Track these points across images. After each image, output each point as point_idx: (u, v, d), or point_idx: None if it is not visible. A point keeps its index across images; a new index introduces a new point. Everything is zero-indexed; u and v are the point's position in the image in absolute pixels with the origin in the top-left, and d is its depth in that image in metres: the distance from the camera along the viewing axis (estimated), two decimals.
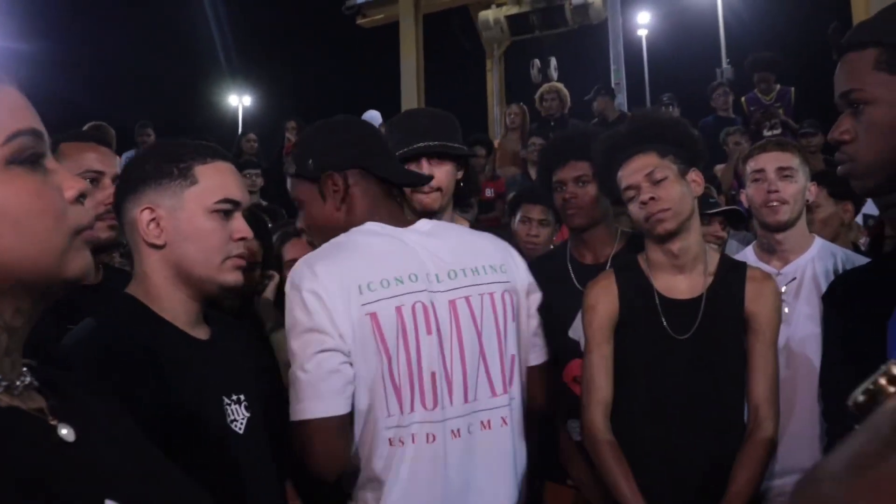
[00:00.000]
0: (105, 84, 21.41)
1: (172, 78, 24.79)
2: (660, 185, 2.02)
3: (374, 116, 8.21)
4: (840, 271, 2.31)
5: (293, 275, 1.68)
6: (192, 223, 1.48)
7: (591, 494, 2.36)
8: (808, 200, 2.42)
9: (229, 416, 1.48)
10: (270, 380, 1.70)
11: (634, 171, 2.05)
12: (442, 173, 2.20)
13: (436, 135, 2.19)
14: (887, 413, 0.55)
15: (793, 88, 7.27)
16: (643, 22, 25.76)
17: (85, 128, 7.60)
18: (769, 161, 2.41)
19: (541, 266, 2.53)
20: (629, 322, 2.10)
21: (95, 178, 1.97)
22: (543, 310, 2.30)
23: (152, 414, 1.27)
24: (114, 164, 2.05)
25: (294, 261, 2.49)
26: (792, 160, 2.39)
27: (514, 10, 9.33)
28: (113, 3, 24.71)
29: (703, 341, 2.04)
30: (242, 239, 1.52)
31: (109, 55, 23.67)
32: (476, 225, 2.38)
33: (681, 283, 2.10)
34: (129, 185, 1.52)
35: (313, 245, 1.90)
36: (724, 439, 2.02)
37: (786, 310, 2.30)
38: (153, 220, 1.48)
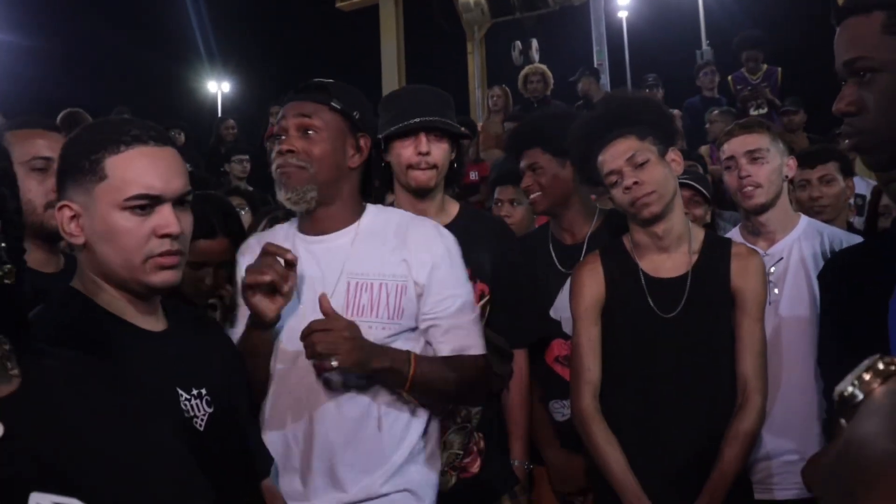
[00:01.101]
0: (81, 70, 21.15)
1: (150, 64, 24.49)
2: (642, 168, 2.02)
3: None
4: (827, 249, 2.31)
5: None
6: (104, 222, 1.34)
7: (563, 475, 2.37)
8: (786, 176, 2.41)
9: (188, 411, 1.39)
10: (236, 373, 1.60)
11: (615, 155, 2.05)
12: (439, 151, 2.17)
13: (434, 110, 2.16)
14: (880, 398, 0.56)
15: (780, 68, 7.26)
16: (623, 3, 25.75)
17: (61, 114, 7.49)
18: (738, 146, 2.41)
19: (524, 248, 2.53)
20: (616, 303, 2.10)
21: (44, 167, 1.92)
22: (532, 288, 2.29)
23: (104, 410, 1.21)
24: None
25: None
26: (760, 141, 2.38)
27: None
28: None
29: (689, 319, 2.04)
30: (167, 236, 1.35)
31: (85, 41, 23.35)
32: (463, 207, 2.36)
33: (666, 262, 2.10)
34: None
35: None
36: (713, 416, 2.03)
37: (775, 291, 2.30)
38: (73, 217, 1.36)
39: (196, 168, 7.76)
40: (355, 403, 1.78)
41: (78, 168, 1.35)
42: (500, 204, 3.28)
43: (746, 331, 2.05)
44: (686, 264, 2.09)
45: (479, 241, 2.25)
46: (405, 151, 2.16)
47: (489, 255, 2.25)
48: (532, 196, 2.53)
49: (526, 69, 7.87)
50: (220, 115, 22.39)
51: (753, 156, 2.36)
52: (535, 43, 9.33)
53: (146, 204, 1.34)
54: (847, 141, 1.20)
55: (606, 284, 2.12)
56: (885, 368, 0.59)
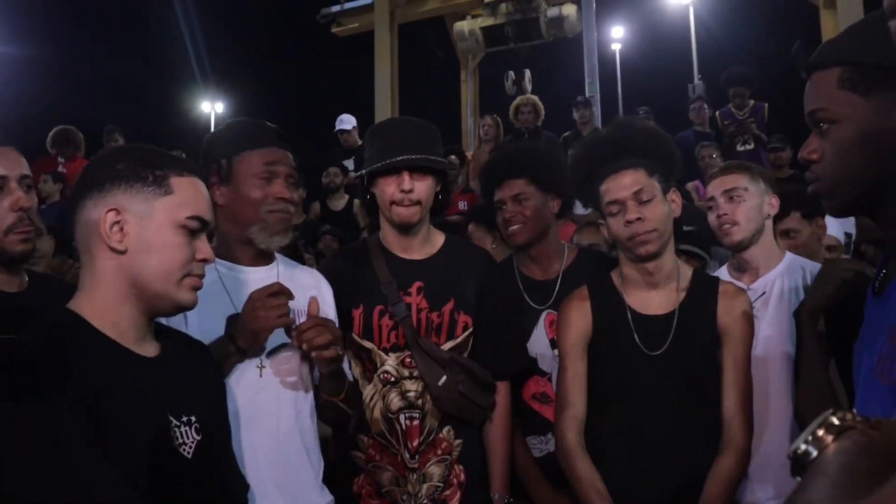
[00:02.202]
0: (75, 88, 21.18)
1: (145, 84, 24.56)
2: (646, 205, 2.02)
3: (348, 119, 8.18)
4: (809, 284, 2.33)
5: None
6: (158, 234, 1.39)
7: None
8: (768, 215, 2.43)
9: (177, 438, 1.38)
10: (222, 400, 1.61)
11: (622, 186, 2.03)
12: (423, 186, 2.17)
13: (418, 147, 2.16)
14: (831, 457, 0.56)
15: (766, 104, 7.34)
16: (617, 36, 26.02)
17: (53, 131, 7.50)
18: (717, 187, 2.44)
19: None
20: (602, 338, 2.10)
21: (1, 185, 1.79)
22: (516, 321, 2.29)
23: (87, 433, 1.21)
24: (20, 165, 1.85)
25: None
26: (738, 181, 2.40)
27: (489, 21, 9.34)
28: (86, 7, 24.47)
29: (675, 357, 2.04)
30: (204, 261, 1.44)
31: (80, 59, 23.41)
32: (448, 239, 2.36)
33: (653, 298, 2.10)
34: (93, 182, 1.40)
35: None
36: (697, 453, 2.02)
37: (757, 325, 2.31)
38: (117, 223, 1.37)
39: None
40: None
41: (139, 177, 1.39)
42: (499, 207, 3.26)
43: (731, 369, 2.05)
44: (674, 302, 2.09)
45: (463, 272, 2.25)
46: (388, 188, 2.16)
47: (473, 287, 2.25)
48: (512, 228, 2.48)
49: (517, 100, 7.92)
50: None
51: (730, 195, 2.40)
52: (528, 73, 9.40)
53: (198, 228, 1.43)
54: (809, 186, 1.25)
55: (594, 319, 2.12)
56: (840, 424, 0.60)
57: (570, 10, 9.08)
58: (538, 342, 2.40)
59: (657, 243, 2.03)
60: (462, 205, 6.63)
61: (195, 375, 1.52)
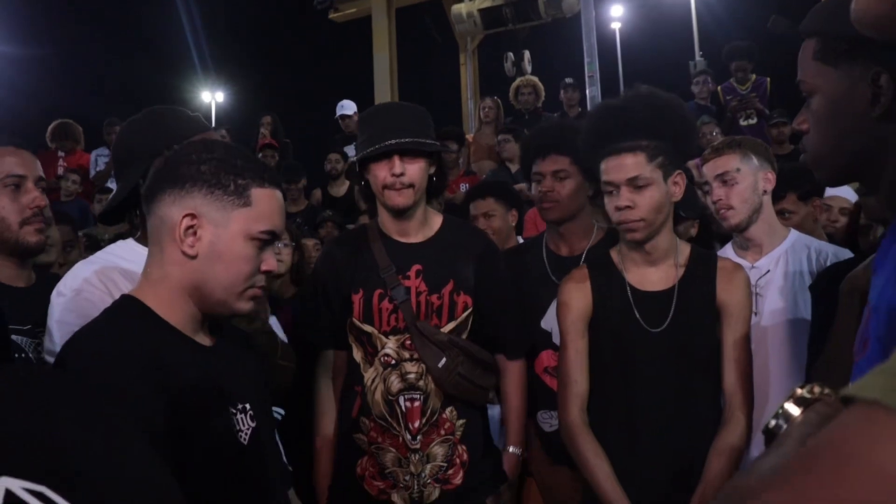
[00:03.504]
0: (74, 80, 21.16)
1: (144, 74, 24.50)
2: (640, 192, 1.99)
3: (349, 105, 8.16)
4: (814, 263, 2.33)
5: None
6: (230, 245, 1.38)
7: (551, 487, 2.38)
8: (764, 191, 2.42)
9: (235, 426, 1.42)
10: (267, 389, 1.65)
11: (618, 169, 2.01)
12: (414, 170, 2.17)
13: (408, 131, 2.16)
14: (793, 428, 0.56)
15: (768, 79, 7.28)
16: (616, 15, 25.87)
17: (52, 125, 7.50)
18: (710, 171, 2.45)
19: (516, 257, 2.53)
20: (603, 316, 2.10)
21: (17, 183, 1.94)
22: (517, 300, 2.30)
23: (164, 423, 1.24)
24: (35, 168, 2.00)
25: None
26: (729, 163, 2.40)
27: (487, 3, 9.29)
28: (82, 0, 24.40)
29: (676, 333, 2.04)
30: (270, 272, 1.45)
31: (80, 52, 23.36)
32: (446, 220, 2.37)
33: (652, 275, 2.10)
34: (175, 178, 1.39)
35: None
36: (699, 429, 2.03)
37: (761, 302, 2.32)
38: (192, 227, 1.37)
39: None
40: None
41: (221, 185, 1.38)
42: (475, 220, 3.30)
43: (732, 345, 2.05)
44: (672, 278, 2.09)
45: (462, 253, 2.25)
46: (380, 173, 2.17)
47: (472, 268, 2.25)
48: (548, 203, 2.50)
49: (517, 81, 7.89)
50: (213, 124, 22.43)
51: (723, 178, 2.41)
52: (527, 54, 9.36)
53: (269, 240, 1.43)
54: (801, 157, 1.24)
55: (594, 297, 2.12)
56: (808, 397, 0.60)
57: None
58: (553, 316, 2.41)
59: (644, 232, 2.02)
60: (463, 187, 6.63)
61: (245, 364, 1.56)
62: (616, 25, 25.83)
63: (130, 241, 1.88)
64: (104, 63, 23.98)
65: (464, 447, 2.21)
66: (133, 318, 1.37)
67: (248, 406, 1.46)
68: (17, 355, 1.88)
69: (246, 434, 1.44)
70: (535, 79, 7.88)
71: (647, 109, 2.03)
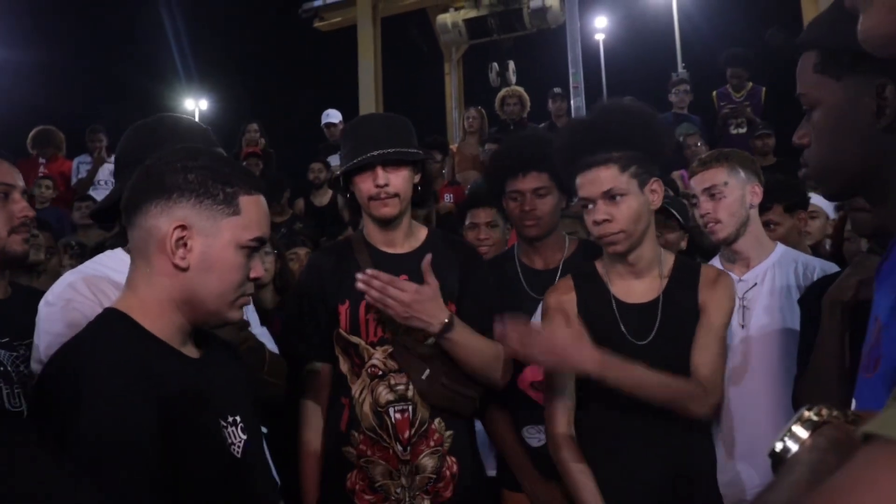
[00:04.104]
0: (57, 87, 21.02)
1: (127, 81, 24.38)
2: (616, 203, 1.99)
3: (334, 114, 8.15)
4: (801, 276, 2.34)
5: None
6: (221, 254, 1.37)
7: (542, 502, 2.35)
8: (751, 205, 2.42)
9: (227, 438, 1.40)
10: (253, 400, 1.62)
11: (592, 183, 2.01)
12: (399, 179, 2.16)
13: (390, 141, 2.16)
14: (803, 454, 0.55)
15: (764, 88, 7.30)
16: (600, 26, 26.04)
17: (33, 132, 7.44)
18: (697, 184, 2.45)
19: (492, 270, 2.52)
20: (588, 328, 2.08)
21: (6, 192, 1.92)
22: (501, 308, 2.29)
23: (157, 432, 1.22)
24: (20, 178, 1.99)
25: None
26: (717, 176, 2.40)
27: (472, 13, 9.31)
28: (66, 5, 24.26)
29: (662, 345, 2.03)
30: (256, 279, 1.44)
31: (62, 58, 23.21)
32: (431, 232, 2.35)
33: (637, 287, 2.10)
34: (160, 188, 1.36)
35: None
36: (687, 442, 2.02)
37: (748, 316, 2.32)
38: (182, 239, 1.35)
39: None
40: None
41: (209, 194, 1.36)
42: (475, 228, 3.21)
43: (704, 334, 2.02)
44: (657, 289, 2.09)
45: (447, 264, 2.24)
46: (364, 185, 2.17)
47: (457, 277, 2.24)
48: (530, 222, 2.49)
49: (503, 91, 7.91)
50: None
51: (711, 192, 2.41)
52: (511, 65, 9.39)
53: (256, 248, 1.42)
54: (802, 170, 1.23)
55: (579, 309, 2.11)
56: (816, 419, 0.59)
57: (553, 0, 9.06)
58: None
59: (625, 243, 2.02)
60: (448, 197, 6.62)
61: (233, 376, 1.54)
62: (600, 37, 26.00)
63: (119, 252, 1.86)
64: (87, 70, 23.86)
65: (453, 459, 2.19)
66: (119, 331, 1.34)
67: (238, 419, 1.44)
68: None
69: (238, 447, 1.42)
70: (521, 89, 7.90)
71: (616, 122, 2.05)
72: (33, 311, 1.91)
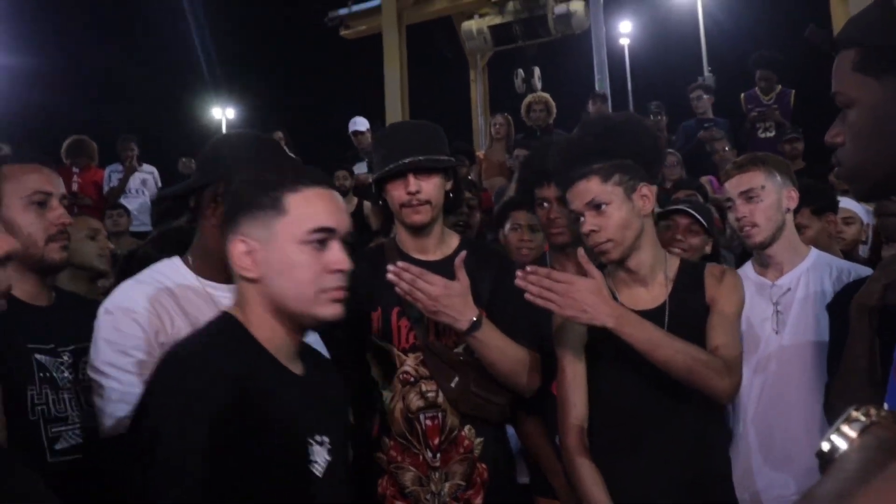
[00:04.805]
0: (87, 97, 21.31)
1: (156, 91, 24.68)
2: (602, 212, 2.01)
3: (361, 122, 8.19)
4: (836, 280, 2.32)
5: None
6: (283, 256, 1.41)
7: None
8: (787, 209, 2.40)
9: (311, 456, 1.42)
10: (347, 424, 1.66)
11: (576, 196, 2.05)
12: (430, 186, 2.18)
13: (421, 149, 2.17)
14: (852, 453, 0.55)
15: (793, 91, 7.21)
16: (625, 31, 25.95)
17: (66, 142, 7.55)
18: (733, 187, 2.42)
19: None
20: (599, 338, 2.07)
21: (43, 200, 1.96)
22: (523, 318, 2.29)
23: (238, 446, 1.25)
24: (60, 185, 2.03)
25: None
26: (754, 180, 2.37)
27: (497, 20, 9.34)
28: (95, 16, 24.63)
29: None
30: (339, 271, 1.44)
31: (92, 68, 23.55)
32: (463, 240, 2.36)
33: (643, 294, 2.10)
34: (226, 215, 1.48)
35: None
36: (700, 447, 2.01)
37: (781, 321, 2.31)
38: (247, 252, 1.42)
39: None
40: None
41: (256, 204, 1.42)
42: (518, 229, 3.21)
43: (720, 324, 2.02)
44: (663, 293, 2.09)
45: (479, 271, 2.25)
46: (396, 192, 2.19)
47: (488, 284, 2.25)
48: (557, 230, 2.53)
49: (529, 97, 7.89)
50: None
51: (748, 195, 2.37)
52: (537, 71, 9.39)
53: (323, 238, 1.43)
54: (834, 171, 1.21)
55: None
56: (864, 419, 0.59)
57: (577, 6, 9.07)
58: None
59: (617, 251, 2.04)
60: None
61: (329, 396, 1.56)
62: (625, 41, 25.90)
63: (176, 260, 1.92)
64: (115, 78, 24.17)
65: (483, 466, 2.19)
66: (232, 339, 1.41)
67: (327, 439, 1.46)
68: (41, 374, 1.88)
69: (321, 467, 1.43)
70: (547, 95, 7.88)
71: (595, 135, 2.11)
72: (77, 318, 1.96)
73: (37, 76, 18.96)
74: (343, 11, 10.42)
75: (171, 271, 1.88)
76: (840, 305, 1.81)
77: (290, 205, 1.42)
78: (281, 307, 1.42)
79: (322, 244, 1.43)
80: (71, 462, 1.89)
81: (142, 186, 7.85)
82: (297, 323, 1.45)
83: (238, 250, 1.42)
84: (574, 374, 2.09)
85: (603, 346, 2.07)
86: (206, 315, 1.77)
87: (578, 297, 1.84)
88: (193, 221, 1.97)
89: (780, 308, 2.32)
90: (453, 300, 2.00)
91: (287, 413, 1.38)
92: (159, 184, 8.20)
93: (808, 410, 2.17)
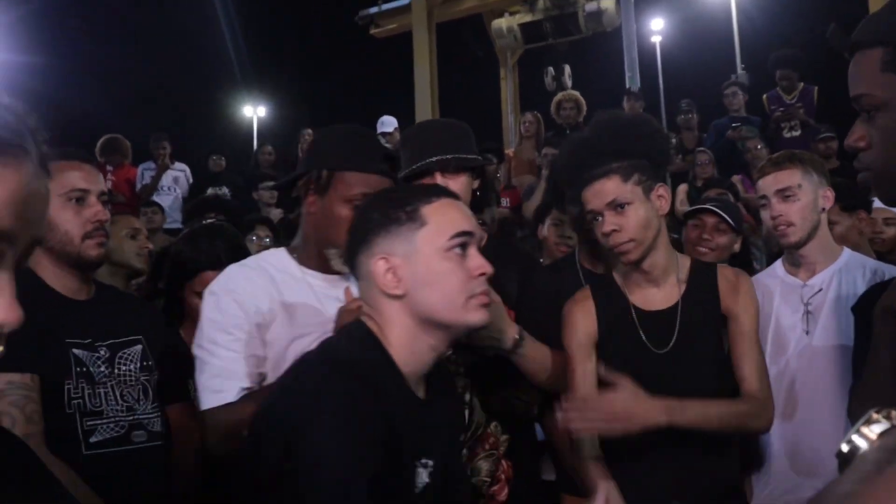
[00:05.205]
0: (120, 97, 21.58)
1: (188, 90, 24.94)
2: (623, 212, 1.99)
3: (389, 122, 8.22)
4: (869, 281, 2.28)
5: None
6: (429, 267, 1.41)
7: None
8: (823, 209, 2.37)
9: (416, 478, 1.43)
10: (458, 444, 1.66)
11: (596, 195, 2.01)
12: (457, 185, 2.17)
13: (448, 147, 2.17)
14: (870, 453, 0.57)
15: (816, 88, 7.10)
16: (657, 28, 25.72)
17: (101, 140, 7.67)
18: (769, 185, 2.37)
19: (551, 276, 2.52)
20: (608, 338, 2.08)
21: (81, 197, 2.00)
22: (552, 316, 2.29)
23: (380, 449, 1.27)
24: (98, 182, 2.06)
25: None
26: (791, 178, 2.33)
27: (527, 17, 9.32)
28: (126, 15, 24.95)
29: (681, 353, 2.02)
30: (483, 275, 1.45)
31: (124, 68, 23.86)
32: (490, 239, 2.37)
33: (656, 294, 2.09)
34: (358, 238, 1.47)
35: None
36: (707, 450, 1.99)
37: (812, 322, 2.28)
38: (389, 269, 1.41)
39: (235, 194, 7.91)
40: None
41: (393, 220, 1.43)
42: (559, 224, 3.19)
43: (740, 342, 2.02)
44: (675, 294, 2.07)
45: (506, 270, 2.25)
46: None
47: (515, 284, 2.25)
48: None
49: (559, 95, 7.88)
50: (255, 139, 22.75)
51: (784, 194, 2.32)
52: (567, 69, 9.36)
53: (463, 243, 1.43)
54: (859, 175, 1.16)
55: (598, 318, 2.09)
56: (886, 421, 0.59)
57: (608, 3, 9.02)
58: None
59: (637, 251, 2.01)
60: (504, 202, 6.63)
61: (446, 419, 1.56)
62: (656, 39, 25.69)
63: (283, 251, 2.00)
64: (147, 78, 24.46)
65: (508, 463, 2.20)
66: (380, 366, 1.40)
67: (431, 462, 1.45)
68: (77, 369, 1.92)
69: (419, 489, 1.43)
70: (577, 93, 7.86)
71: (612, 133, 2.07)
72: (115, 312, 2.00)
73: (68, 76, 19.24)
74: (373, 10, 10.48)
75: (276, 259, 1.97)
76: (865, 307, 1.77)
77: (428, 215, 1.43)
78: (429, 320, 1.42)
79: (463, 249, 1.43)
80: (106, 454, 1.92)
81: (173, 184, 7.95)
82: (443, 336, 1.45)
83: (380, 269, 1.41)
84: (584, 373, 2.08)
85: (611, 349, 2.07)
86: (300, 301, 1.88)
87: (622, 410, 1.83)
88: (293, 211, 2.05)
89: (810, 308, 2.30)
90: (494, 320, 1.97)
91: (403, 438, 1.37)
92: (191, 181, 8.30)
93: (837, 412, 2.14)
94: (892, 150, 1.05)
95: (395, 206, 1.44)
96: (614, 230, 1.99)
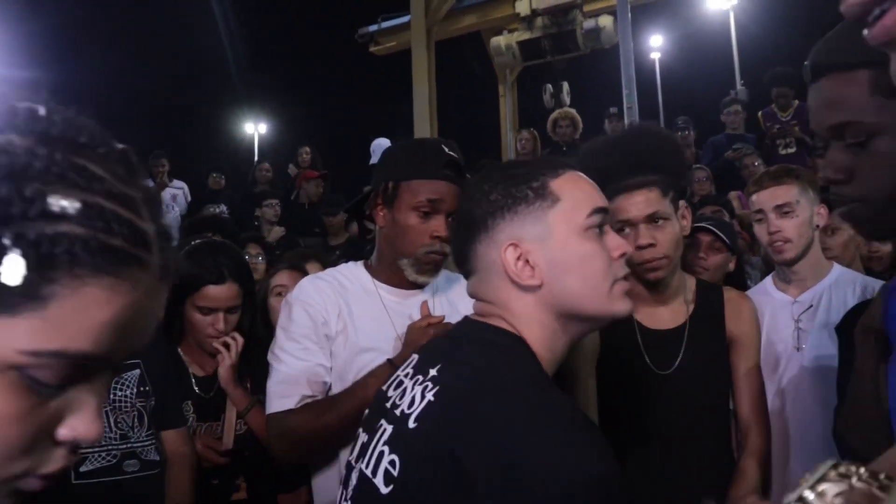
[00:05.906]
0: (119, 113, 21.66)
1: (188, 107, 25.04)
2: (660, 227, 1.94)
3: (383, 144, 8.25)
4: (859, 297, 2.28)
5: None
6: (567, 249, 1.19)
7: None
8: (817, 225, 2.36)
9: None
10: None
11: (635, 206, 1.93)
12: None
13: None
14: None
15: None
16: (656, 45, 25.84)
17: None
18: (766, 199, 2.36)
19: None
20: (611, 356, 2.06)
21: None
22: None
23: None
24: None
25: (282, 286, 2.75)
26: (789, 193, 2.32)
27: (525, 35, 9.33)
28: (126, 31, 25.07)
29: (685, 376, 1.99)
30: (624, 255, 1.25)
31: (123, 85, 23.95)
32: None
33: (663, 313, 2.06)
34: (473, 225, 1.24)
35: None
36: (707, 472, 1.98)
37: (802, 338, 2.27)
38: (521, 256, 1.19)
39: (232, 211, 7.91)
40: None
41: (519, 199, 1.21)
42: None
43: (744, 374, 2.02)
44: (683, 315, 2.05)
45: None
46: None
47: None
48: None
49: (555, 113, 7.90)
50: (256, 155, 22.79)
51: (783, 210, 2.32)
52: (565, 86, 9.36)
53: (603, 221, 1.24)
54: (841, 210, 1.06)
55: (602, 336, 2.06)
56: (843, 478, 0.57)
57: (606, 21, 9.04)
58: None
59: (667, 269, 1.97)
60: None
61: None
62: (655, 55, 25.79)
63: (360, 265, 2.04)
64: (146, 94, 24.54)
65: None
66: (528, 370, 1.16)
67: None
68: None
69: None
70: (573, 111, 7.88)
71: (650, 144, 1.99)
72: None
73: (68, 92, 19.29)
74: (373, 28, 10.51)
75: (350, 272, 2.01)
76: (847, 327, 1.76)
77: (560, 190, 1.21)
78: (571, 312, 1.20)
79: (601, 228, 1.23)
80: (96, 484, 1.90)
81: (171, 202, 7.97)
82: (582, 331, 1.25)
83: (510, 258, 1.19)
84: (585, 390, 2.07)
85: (615, 365, 2.06)
86: (370, 315, 1.89)
87: None
88: (295, 230, 2.05)
89: (801, 325, 2.29)
90: None
91: None
92: (189, 199, 8.30)
93: (822, 428, 2.13)
94: (891, 178, 0.96)
95: (519, 182, 1.22)
96: (651, 244, 1.93)
